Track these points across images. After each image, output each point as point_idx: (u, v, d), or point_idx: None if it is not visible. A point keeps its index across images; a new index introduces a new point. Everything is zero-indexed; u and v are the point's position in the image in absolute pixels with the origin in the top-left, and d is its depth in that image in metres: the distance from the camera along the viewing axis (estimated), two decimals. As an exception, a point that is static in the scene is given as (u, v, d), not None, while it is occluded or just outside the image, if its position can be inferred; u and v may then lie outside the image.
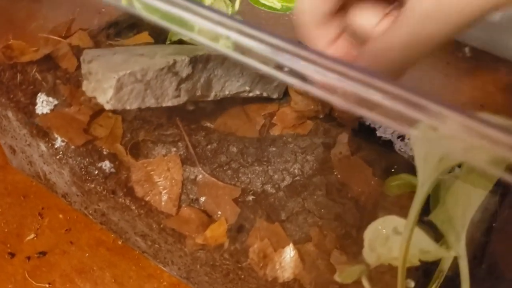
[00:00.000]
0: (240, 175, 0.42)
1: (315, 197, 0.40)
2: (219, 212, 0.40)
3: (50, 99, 0.45)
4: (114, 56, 0.42)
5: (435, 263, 0.35)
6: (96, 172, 0.42)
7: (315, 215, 0.39)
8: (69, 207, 0.50)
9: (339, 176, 0.42)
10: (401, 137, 0.46)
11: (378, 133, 0.47)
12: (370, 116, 0.20)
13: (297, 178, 0.42)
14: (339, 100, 0.20)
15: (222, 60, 0.43)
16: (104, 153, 0.43)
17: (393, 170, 0.43)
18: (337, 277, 0.34)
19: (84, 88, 0.41)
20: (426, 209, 0.33)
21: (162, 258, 0.44)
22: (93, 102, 0.43)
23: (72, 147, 0.43)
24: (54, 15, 0.51)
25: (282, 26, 0.49)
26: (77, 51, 0.48)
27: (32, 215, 0.49)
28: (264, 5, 0.49)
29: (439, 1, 0.22)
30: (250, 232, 0.39)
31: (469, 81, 0.59)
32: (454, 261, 0.33)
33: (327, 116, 0.48)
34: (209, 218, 0.40)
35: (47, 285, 0.44)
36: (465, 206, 0.30)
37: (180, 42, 0.49)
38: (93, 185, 0.42)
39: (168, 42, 0.50)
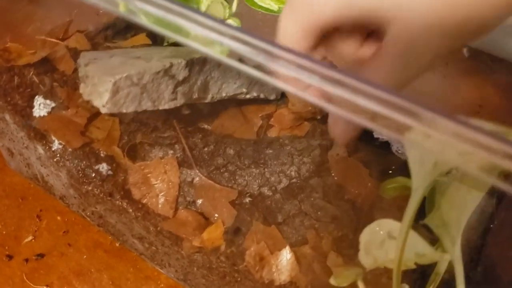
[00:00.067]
0: (237, 178, 0.42)
1: (312, 199, 0.40)
2: (216, 215, 0.40)
3: (48, 101, 0.45)
4: (111, 59, 0.42)
5: (432, 266, 0.35)
6: (94, 175, 0.42)
7: (312, 217, 0.39)
8: (67, 209, 0.50)
9: (336, 178, 0.42)
10: (399, 139, 0.46)
11: (375, 135, 0.47)
12: (366, 124, 0.20)
13: (294, 180, 0.42)
14: (333, 107, 0.20)
15: (219, 62, 0.43)
16: (101, 155, 0.43)
17: (390, 171, 0.43)
18: (332, 281, 0.34)
19: (81, 91, 0.41)
20: (422, 212, 0.33)
21: (159, 260, 0.44)
22: (90, 105, 0.43)
23: (69, 149, 0.43)
24: (52, 17, 0.51)
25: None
26: (75, 53, 0.48)
27: (30, 217, 0.49)
28: (261, 7, 0.49)
29: (413, 43, 0.23)
30: (247, 235, 0.39)
31: (467, 82, 0.59)
32: (451, 264, 0.33)
33: (325, 117, 0.48)
34: (206, 221, 0.40)
35: (45, 287, 0.45)
36: (460, 210, 0.30)
37: (177, 43, 0.49)
38: (90, 188, 0.42)
39: (166, 43, 0.50)
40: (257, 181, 0.42)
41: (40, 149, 0.44)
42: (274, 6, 0.49)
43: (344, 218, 0.40)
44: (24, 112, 0.45)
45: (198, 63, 0.42)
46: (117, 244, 0.48)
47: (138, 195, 0.41)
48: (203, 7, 0.49)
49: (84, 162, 0.42)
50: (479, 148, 0.18)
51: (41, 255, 0.47)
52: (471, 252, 0.38)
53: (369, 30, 0.27)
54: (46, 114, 0.45)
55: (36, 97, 0.45)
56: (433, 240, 0.33)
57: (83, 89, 0.41)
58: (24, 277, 0.45)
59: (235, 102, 0.46)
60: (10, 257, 0.46)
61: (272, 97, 0.47)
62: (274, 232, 0.39)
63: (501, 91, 0.57)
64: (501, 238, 0.38)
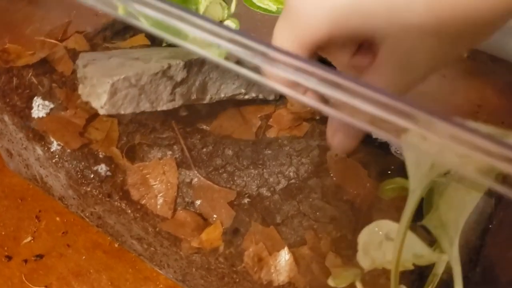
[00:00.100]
0: (235, 178, 0.42)
1: (311, 200, 0.40)
2: (215, 216, 0.40)
3: (46, 102, 0.45)
4: (109, 60, 0.42)
5: (430, 267, 0.35)
6: (92, 176, 0.42)
7: (310, 218, 0.39)
8: (65, 210, 0.50)
9: (334, 178, 0.42)
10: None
11: (374, 135, 0.47)
12: (362, 126, 0.20)
13: (293, 181, 0.42)
14: (330, 110, 0.20)
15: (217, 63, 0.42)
16: (100, 156, 0.43)
17: (389, 172, 0.43)
18: (330, 282, 0.34)
19: (80, 92, 0.41)
20: (420, 213, 0.33)
21: (158, 261, 0.44)
22: (89, 106, 0.43)
23: (68, 150, 0.43)
24: (51, 18, 0.51)
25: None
26: (73, 54, 0.48)
27: (29, 218, 0.49)
28: (259, 7, 0.49)
29: (410, 53, 0.23)
30: (245, 236, 0.39)
31: (466, 82, 0.59)
32: (449, 265, 0.33)
33: (324, 117, 0.47)
34: (204, 222, 0.40)
35: (44, 288, 0.45)
36: (459, 211, 0.30)
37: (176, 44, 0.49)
38: (89, 188, 0.42)
39: (164, 44, 0.50)
40: (255, 181, 0.42)
41: (39, 150, 0.44)
42: (273, 7, 0.49)
43: (343, 218, 0.40)
44: (23, 113, 0.45)
45: (197, 64, 0.42)
46: (116, 245, 0.48)
47: (136, 196, 0.41)
48: (201, 8, 0.49)
49: (83, 163, 0.42)
50: (476, 150, 0.18)
51: (40, 256, 0.47)
52: (470, 252, 0.38)
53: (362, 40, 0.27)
54: (44, 115, 0.45)
55: (35, 98, 0.45)
56: (431, 241, 0.33)
57: (82, 90, 0.41)
58: (23, 278, 0.45)
59: (233, 103, 0.46)
60: (9, 257, 0.46)
61: (271, 97, 0.47)
62: (273, 233, 0.39)
63: (500, 91, 0.57)
64: (500, 239, 0.38)
